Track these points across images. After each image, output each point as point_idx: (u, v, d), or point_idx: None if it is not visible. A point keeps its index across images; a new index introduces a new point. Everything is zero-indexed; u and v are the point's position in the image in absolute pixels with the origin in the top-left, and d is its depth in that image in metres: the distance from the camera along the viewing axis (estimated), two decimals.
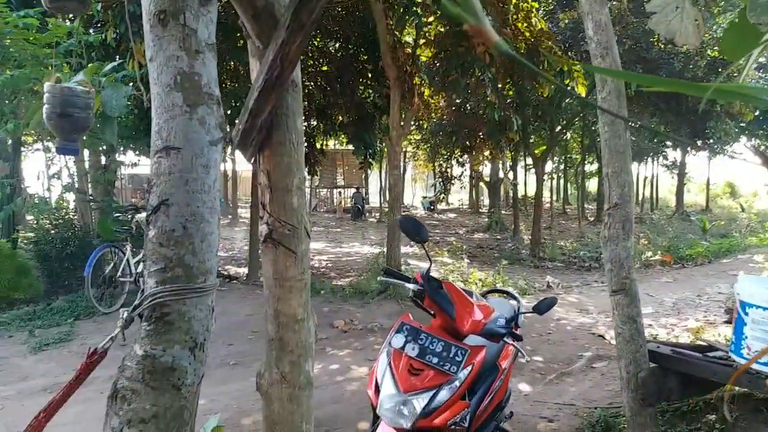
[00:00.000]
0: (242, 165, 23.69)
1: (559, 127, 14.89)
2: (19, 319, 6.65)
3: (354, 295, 7.88)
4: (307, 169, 9.16)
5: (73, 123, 2.06)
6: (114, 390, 1.33)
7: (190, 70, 1.38)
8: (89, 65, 3.01)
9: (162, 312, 1.33)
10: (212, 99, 1.41)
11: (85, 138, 5.97)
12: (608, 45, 3.00)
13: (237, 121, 1.83)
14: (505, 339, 2.59)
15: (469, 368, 2.44)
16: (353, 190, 24.37)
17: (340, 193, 27.16)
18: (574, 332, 6.40)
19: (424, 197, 29.55)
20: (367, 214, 23.80)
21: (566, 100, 13.73)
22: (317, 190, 26.35)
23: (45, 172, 9.32)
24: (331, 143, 19.83)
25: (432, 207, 26.02)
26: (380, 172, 25.34)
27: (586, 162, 23.85)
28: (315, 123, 9.82)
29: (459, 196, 31.80)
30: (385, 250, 9.04)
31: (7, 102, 7.71)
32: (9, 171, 8.49)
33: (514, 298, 3.52)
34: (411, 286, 2.75)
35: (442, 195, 20.71)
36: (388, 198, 15.29)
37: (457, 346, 2.47)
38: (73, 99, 2.06)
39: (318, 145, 10.49)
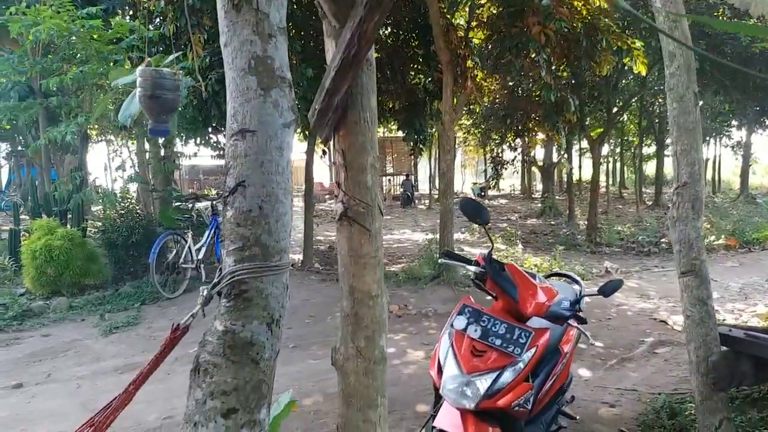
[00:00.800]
0: (294, 154, 24.04)
1: (615, 109, 14.44)
2: (90, 304, 7.02)
3: (407, 280, 7.92)
4: None
5: (162, 104, 2.15)
6: (196, 364, 1.38)
7: (264, 54, 1.41)
8: (149, 58, 3.11)
9: (240, 289, 1.38)
10: (284, 82, 1.44)
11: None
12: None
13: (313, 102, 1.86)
14: (569, 322, 2.55)
15: (533, 350, 2.42)
16: (402, 178, 24.37)
17: (389, 180, 27.21)
18: (634, 317, 6.23)
19: (475, 183, 29.28)
20: (417, 201, 23.78)
21: (623, 81, 13.25)
22: None
23: (109, 164, 9.74)
24: (380, 131, 19.88)
25: (483, 193, 25.73)
26: (429, 159, 25.24)
27: (643, 144, 23.06)
28: None
29: (510, 181, 31.32)
30: (437, 236, 9.01)
31: (73, 97, 8.09)
32: (77, 163, 8.91)
33: (576, 281, 3.44)
34: (472, 268, 2.75)
35: (494, 180, 20.41)
36: (438, 184, 15.20)
37: (520, 328, 2.46)
38: (161, 81, 2.15)
39: None
